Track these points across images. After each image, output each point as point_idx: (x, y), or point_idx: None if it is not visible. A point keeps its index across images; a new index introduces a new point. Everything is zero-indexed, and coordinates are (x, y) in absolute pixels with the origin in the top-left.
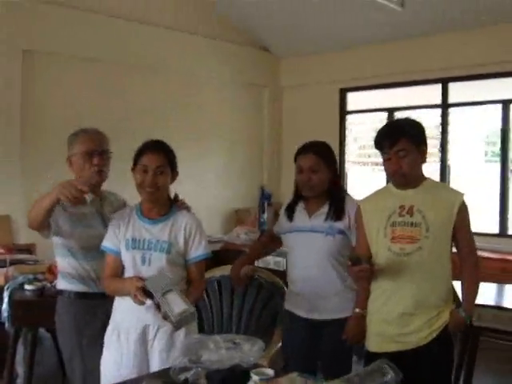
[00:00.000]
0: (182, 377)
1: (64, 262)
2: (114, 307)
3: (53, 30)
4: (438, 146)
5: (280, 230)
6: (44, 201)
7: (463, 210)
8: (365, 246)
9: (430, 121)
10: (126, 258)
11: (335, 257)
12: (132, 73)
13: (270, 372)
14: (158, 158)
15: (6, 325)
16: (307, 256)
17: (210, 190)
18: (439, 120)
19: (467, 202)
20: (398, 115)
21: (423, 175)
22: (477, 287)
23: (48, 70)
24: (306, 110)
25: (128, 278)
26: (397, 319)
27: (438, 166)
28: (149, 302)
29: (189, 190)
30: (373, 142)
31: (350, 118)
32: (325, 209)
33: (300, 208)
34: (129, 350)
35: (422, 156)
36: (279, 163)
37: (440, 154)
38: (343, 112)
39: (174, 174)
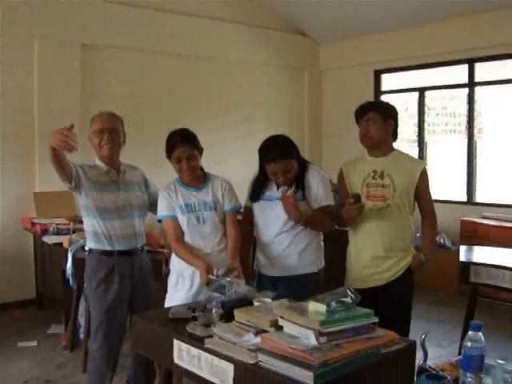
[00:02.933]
0: (206, 304)
1: (86, 222)
2: (172, 260)
3: (108, 24)
4: (466, 123)
5: (248, 202)
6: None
7: (424, 175)
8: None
9: (458, 99)
10: (183, 220)
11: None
12: (182, 62)
13: (268, 300)
14: (187, 149)
15: (70, 281)
16: (275, 221)
17: (252, 167)
18: (466, 98)
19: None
20: (429, 94)
21: (392, 147)
22: (433, 235)
23: (105, 62)
24: (343, 91)
25: (199, 261)
26: (370, 261)
27: (465, 142)
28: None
29: (233, 166)
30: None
31: (383, 98)
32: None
33: (270, 181)
34: (194, 290)
35: (388, 128)
36: (319, 143)
37: (467, 131)
38: (378, 92)
39: (200, 152)
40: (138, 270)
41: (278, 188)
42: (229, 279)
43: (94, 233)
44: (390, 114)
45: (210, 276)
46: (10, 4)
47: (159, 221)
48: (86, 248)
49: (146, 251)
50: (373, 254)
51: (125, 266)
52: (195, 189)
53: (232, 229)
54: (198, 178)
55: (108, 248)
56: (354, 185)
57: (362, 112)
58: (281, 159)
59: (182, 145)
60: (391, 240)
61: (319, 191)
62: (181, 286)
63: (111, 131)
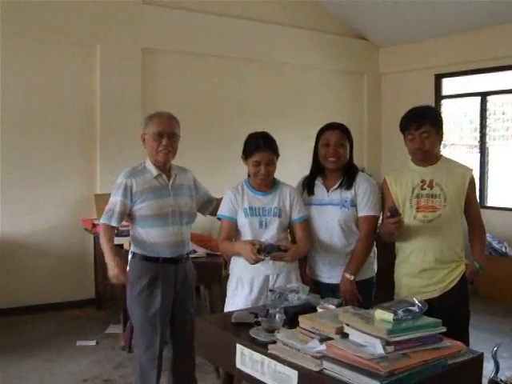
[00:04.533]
0: (269, 310)
1: (133, 228)
2: (231, 265)
3: (168, 29)
4: None
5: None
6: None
7: (472, 182)
8: None
9: None
10: (245, 223)
11: (347, 225)
12: (242, 66)
13: (332, 306)
14: (268, 154)
15: None
16: (324, 226)
17: (308, 172)
18: None
19: None
20: (491, 99)
21: (440, 154)
22: (485, 243)
23: (164, 66)
24: (403, 95)
25: (240, 244)
26: (422, 273)
27: None
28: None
29: (292, 170)
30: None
31: (444, 103)
32: (339, 181)
33: (318, 183)
34: (254, 296)
35: (439, 138)
36: (379, 147)
37: None
38: (438, 97)
39: (277, 158)
40: (183, 278)
41: (327, 191)
42: (290, 286)
43: (139, 239)
44: (441, 125)
45: (259, 256)
46: (72, 10)
47: (219, 218)
48: (130, 252)
49: (191, 258)
50: (424, 266)
51: (169, 274)
52: (262, 193)
53: (304, 236)
54: (267, 183)
55: (153, 255)
56: (402, 196)
57: (416, 125)
58: (337, 129)
59: (264, 150)
60: (443, 251)
61: (367, 200)
62: (240, 290)
63: (170, 136)
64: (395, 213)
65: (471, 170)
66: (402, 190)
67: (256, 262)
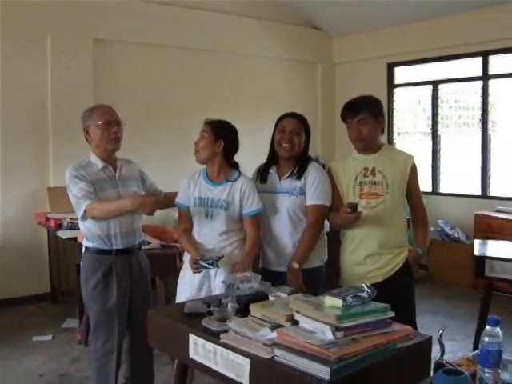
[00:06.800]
0: (221, 299)
1: (84, 224)
2: (184, 253)
3: (119, 20)
4: (479, 117)
5: None
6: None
7: (414, 169)
8: (339, 201)
9: (471, 92)
10: (194, 212)
11: (295, 214)
12: (192, 55)
13: (284, 295)
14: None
15: None
16: (274, 214)
17: (264, 160)
18: (480, 91)
19: None
20: (442, 88)
21: (381, 142)
22: (427, 229)
23: (116, 57)
24: (356, 84)
25: (192, 248)
26: (366, 259)
27: (479, 135)
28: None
29: (248, 160)
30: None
31: (397, 91)
32: (291, 169)
33: (272, 171)
34: (196, 284)
35: (379, 126)
36: (332, 135)
37: (481, 124)
38: (391, 85)
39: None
40: (137, 268)
41: (279, 179)
42: (242, 276)
43: (91, 232)
44: (380, 112)
45: (199, 267)
46: (21, 2)
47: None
48: (83, 247)
49: (143, 249)
50: (368, 252)
51: (123, 265)
52: (213, 183)
53: (251, 231)
54: (224, 172)
55: (106, 247)
56: (345, 184)
57: (351, 113)
58: (294, 118)
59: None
60: (386, 236)
61: (315, 188)
62: (184, 277)
63: (118, 124)
64: (355, 208)
65: (412, 157)
66: (345, 178)
67: (196, 270)
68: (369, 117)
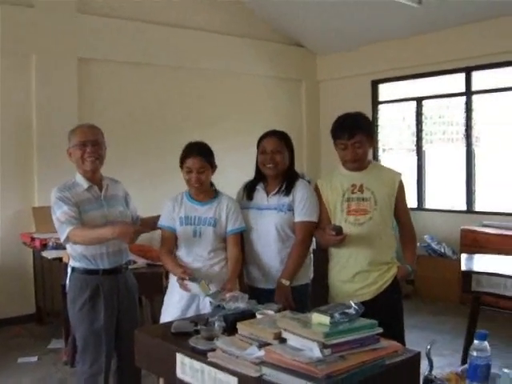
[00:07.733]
0: (208, 318)
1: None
2: (170, 274)
3: (104, 38)
4: (463, 132)
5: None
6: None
7: (401, 186)
8: (326, 218)
9: (455, 108)
10: (181, 232)
11: (283, 230)
12: (176, 74)
13: (271, 312)
14: (199, 161)
15: None
16: (261, 230)
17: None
18: (464, 107)
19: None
20: (426, 104)
21: (369, 159)
22: (415, 246)
23: (101, 75)
24: (340, 101)
25: (178, 268)
26: (354, 277)
27: (463, 150)
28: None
29: (232, 178)
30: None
31: (381, 108)
32: (279, 186)
33: (260, 188)
34: (183, 304)
35: (370, 145)
36: (318, 152)
37: (465, 140)
38: (375, 102)
39: (213, 168)
40: (124, 288)
41: (267, 195)
42: (229, 295)
43: (77, 252)
44: (372, 131)
45: (185, 277)
46: (7, 19)
47: (160, 228)
48: (69, 267)
49: (130, 269)
50: (357, 270)
51: (110, 285)
52: (200, 203)
53: (234, 250)
54: (205, 193)
55: (92, 267)
56: (333, 200)
57: (347, 135)
58: (274, 137)
59: (196, 156)
60: (375, 253)
61: (303, 205)
62: (170, 298)
63: (94, 143)
64: (340, 231)
65: (400, 174)
66: (332, 194)
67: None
68: (365, 139)
